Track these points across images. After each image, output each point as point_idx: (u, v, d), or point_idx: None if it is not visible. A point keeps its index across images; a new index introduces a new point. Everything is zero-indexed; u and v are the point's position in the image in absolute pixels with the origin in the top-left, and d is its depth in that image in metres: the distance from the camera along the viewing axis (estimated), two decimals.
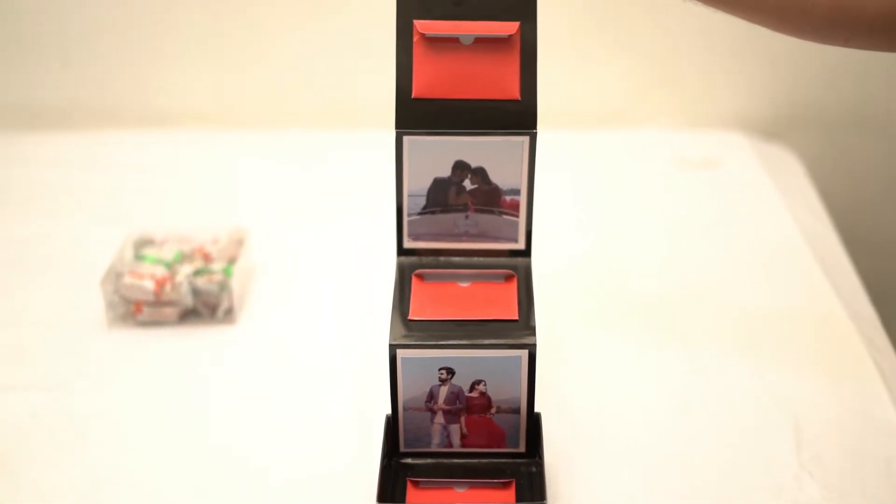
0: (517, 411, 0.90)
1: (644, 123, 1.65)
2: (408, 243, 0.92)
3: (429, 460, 0.93)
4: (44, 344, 1.14)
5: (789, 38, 0.87)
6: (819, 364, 1.10)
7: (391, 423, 0.91)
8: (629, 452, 0.99)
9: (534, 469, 0.92)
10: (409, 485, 0.90)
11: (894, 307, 1.45)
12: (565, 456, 0.97)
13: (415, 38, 0.86)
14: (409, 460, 0.93)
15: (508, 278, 0.91)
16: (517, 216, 0.91)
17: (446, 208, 0.90)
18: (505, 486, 0.90)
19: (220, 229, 1.25)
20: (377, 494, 0.88)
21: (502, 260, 0.93)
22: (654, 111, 1.65)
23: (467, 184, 0.89)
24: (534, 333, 0.86)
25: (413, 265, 0.92)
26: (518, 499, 0.89)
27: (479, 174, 0.88)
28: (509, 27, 0.86)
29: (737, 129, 1.65)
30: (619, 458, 0.98)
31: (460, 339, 0.86)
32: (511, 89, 0.86)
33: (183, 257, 1.20)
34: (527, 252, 0.93)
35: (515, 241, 0.92)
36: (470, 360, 0.87)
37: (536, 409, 0.91)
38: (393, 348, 0.86)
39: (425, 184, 0.89)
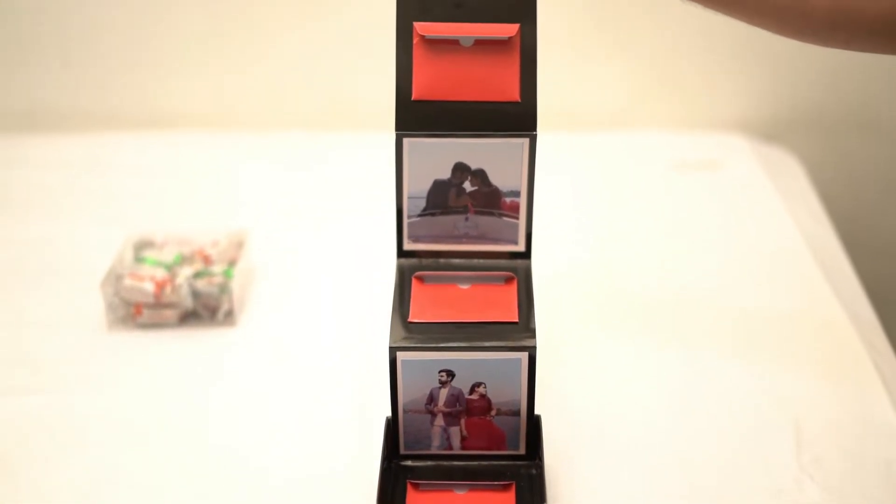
0: (517, 413, 0.90)
1: (644, 125, 1.65)
2: (408, 245, 0.92)
3: (429, 462, 0.92)
4: (44, 346, 1.14)
5: (789, 41, 0.87)
6: (819, 366, 1.10)
7: (391, 426, 0.91)
8: (629, 454, 0.99)
9: (534, 471, 0.92)
10: (409, 487, 0.90)
11: (894, 310, 1.45)
12: (565, 458, 0.97)
13: (415, 40, 0.86)
14: (409, 462, 0.92)
15: (508, 280, 0.91)
16: (517, 218, 0.91)
17: (446, 210, 0.90)
18: (505, 488, 0.90)
19: (220, 231, 1.25)
20: (377, 497, 0.88)
21: (502, 262, 0.92)
22: (654, 113, 1.65)
23: (467, 186, 0.89)
24: (534, 336, 0.86)
25: (413, 267, 0.92)
26: (518, 501, 0.89)
27: (479, 176, 0.88)
28: (509, 29, 0.86)
29: (737, 132, 1.65)
30: (620, 460, 0.98)
31: (460, 341, 0.86)
32: (511, 91, 0.86)
33: (183, 259, 1.20)
34: (527, 254, 0.93)
35: (515, 243, 0.92)
36: (470, 363, 0.87)
37: (536, 412, 0.91)
38: (393, 351, 0.86)
39: (425, 186, 0.89)
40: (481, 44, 0.86)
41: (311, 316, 1.20)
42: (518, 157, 0.87)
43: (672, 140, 1.62)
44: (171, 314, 1.16)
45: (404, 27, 0.86)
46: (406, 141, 0.87)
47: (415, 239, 0.92)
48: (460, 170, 0.88)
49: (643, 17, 1.59)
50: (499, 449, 0.92)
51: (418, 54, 0.86)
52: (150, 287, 1.14)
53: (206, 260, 1.20)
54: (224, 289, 1.16)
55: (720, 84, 1.64)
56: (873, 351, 1.13)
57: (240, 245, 1.23)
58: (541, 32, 0.86)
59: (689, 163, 1.54)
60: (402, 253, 0.92)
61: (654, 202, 1.45)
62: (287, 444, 1.01)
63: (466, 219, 0.91)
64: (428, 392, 0.89)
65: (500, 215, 0.90)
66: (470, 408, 0.90)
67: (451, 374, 0.87)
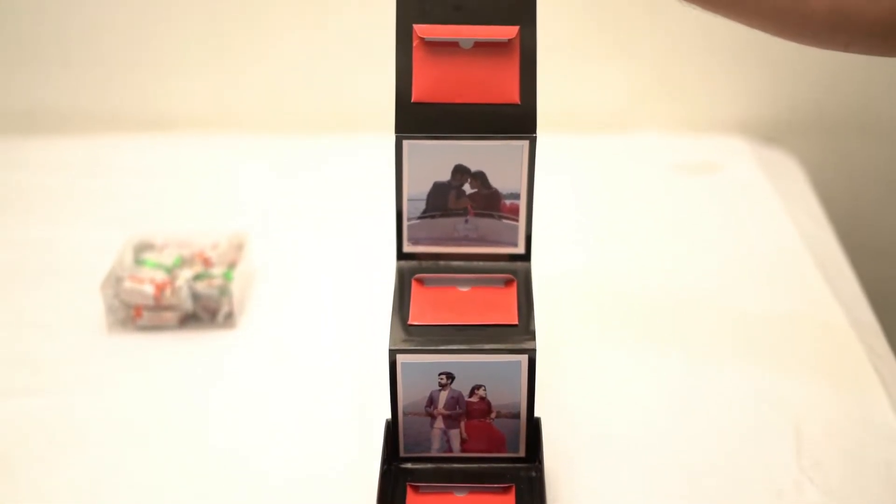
0: (517, 416, 0.90)
1: (644, 127, 1.65)
2: (407, 247, 0.92)
3: (429, 465, 0.92)
4: (44, 348, 1.14)
5: (789, 43, 0.87)
6: (819, 368, 1.10)
7: (391, 428, 0.91)
8: (629, 457, 0.99)
9: (534, 474, 0.91)
10: (408, 489, 0.90)
11: (894, 313, 1.45)
12: (565, 460, 0.97)
13: (414, 43, 0.86)
14: (408, 465, 0.92)
15: (508, 283, 0.91)
16: (517, 220, 0.90)
17: (446, 212, 0.90)
18: (505, 490, 0.90)
19: (220, 234, 1.25)
20: (377, 499, 0.88)
21: (502, 264, 0.92)
22: (654, 115, 1.65)
23: (467, 188, 0.89)
24: (534, 338, 0.86)
25: (413, 269, 0.92)
26: (518, 503, 0.89)
27: (479, 178, 0.88)
28: (509, 31, 0.86)
29: (737, 134, 1.65)
30: (620, 463, 0.98)
31: (460, 344, 0.86)
32: (511, 93, 0.86)
33: (183, 262, 1.20)
34: (527, 256, 0.92)
35: (515, 245, 0.92)
36: (470, 365, 0.87)
37: (536, 414, 0.91)
38: (393, 353, 0.86)
39: (425, 188, 0.89)
40: (481, 46, 0.86)
41: (311, 318, 1.20)
42: (518, 160, 0.87)
43: (672, 142, 1.62)
44: (170, 316, 1.16)
45: (404, 29, 0.86)
46: (406, 143, 0.86)
47: (414, 241, 0.92)
48: (460, 172, 0.88)
49: (643, 19, 1.59)
50: (499, 451, 0.92)
51: (418, 56, 0.86)
52: (149, 289, 1.14)
53: (206, 262, 1.20)
54: (224, 291, 1.16)
55: (720, 86, 1.64)
56: (873, 353, 1.13)
57: (240, 247, 1.23)
58: (540, 34, 0.86)
59: (689, 165, 1.54)
60: (401, 255, 0.92)
61: (654, 204, 1.45)
62: (287, 447, 1.01)
63: (466, 221, 0.91)
64: (428, 394, 0.88)
65: (500, 217, 0.90)
66: (470, 410, 0.89)
67: (450, 376, 0.87)
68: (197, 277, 1.17)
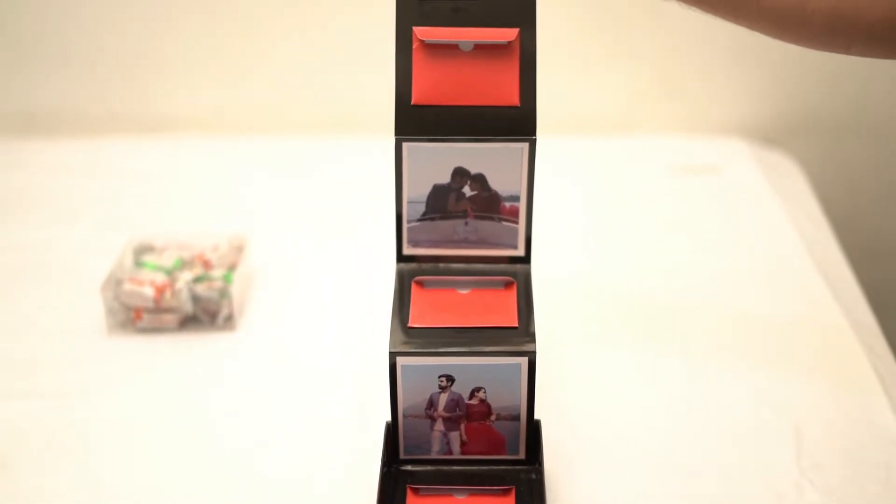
0: (517, 418, 0.90)
1: (644, 129, 1.65)
2: (407, 250, 0.92)
3: (429, 467, 0.92)
4: (44, 350, 1.14)
5: (789, 45, 0.87)
6: (819, 371, 1.10)
7: (391, 430, 0.91)
8: (629, 459, 0.99)
9: (534, 476, 0.91)
10: (408, 492, 0.90)
11: (894, 314, 1.45)
12: (565, 463, 0.97)
13: (414, 45, 0.86)
14: (408, 467, 0.92)
15: (508, 285, 0.91)
16: (517, 223, 0.91)
17: (446, 215, 0.90)
18: (505, 493, 0.90)
19: (220, 236, 1.25)
20: (377, 501, 0.88)
21: (502, 266, 0.92)
22: (654, 117, 1.65)
23: (467, 190, 0.89)
24: (533, 341, 0.86)
25: (413, 272, 0.92)
26: None
27: (479, 181, 0.88)
28: (508, 34, 0.86)
29: (737, 136, 1.65)
30: (620, 465, 0.98)
31: (460, 346, 0.86)
32: (510, 96, 0.86)
33: (183, 264, 1.20)
34: (526, 259, 0.93)
35: (515, 247, 0.92)
36: (470, 368, 0.87)
37: (536, 416, 0.91)
38: (393, 356, 0.86)
39: (425, 190, 0.89)
40: (481, 48, 0.86)
41: (310, 320, 1.20)
42: (517, 162, 0.87)
43: (672, 144, 1.62)
44: (170, 319, 1.16)
45: (404, 32, 0.86)
46: (405, 145, 0.87)
47: (414, 243, 0.92)
48: (460, 174, 0.88)
49: (643, 22, 1.59)
50: (498, 454, 0.92)
51: (418, 59, 0.86)
52: (149, 292, 1.14)
53: (206, 264, 1.20)
54: (224, 293, 1.16)
55: (720, 88, 1.64)
56: (873, 355, 1.13)
57: (240, 249, 1.23)
58: (540, 36, 0.86)
59: (689, 166, 1.54)
60: (401, 257, 0.92)
61: (654, 206, 1.45)
62: (287, 449, 1.01)
63: (466, 223, 0.91)
64: (428, 397, 0.88)
65: (500, 220, 0.90)
66: (470, 412, 0.89)
67: (450, 378, 0.87)
68: (197, 280, 1.17)
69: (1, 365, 1.12)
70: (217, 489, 0.96)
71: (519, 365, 0.86)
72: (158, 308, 1.15)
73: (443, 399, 0.89)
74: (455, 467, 0.92)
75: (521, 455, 0.92)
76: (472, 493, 0.90)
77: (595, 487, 0.95)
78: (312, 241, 1.35)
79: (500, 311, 0.89)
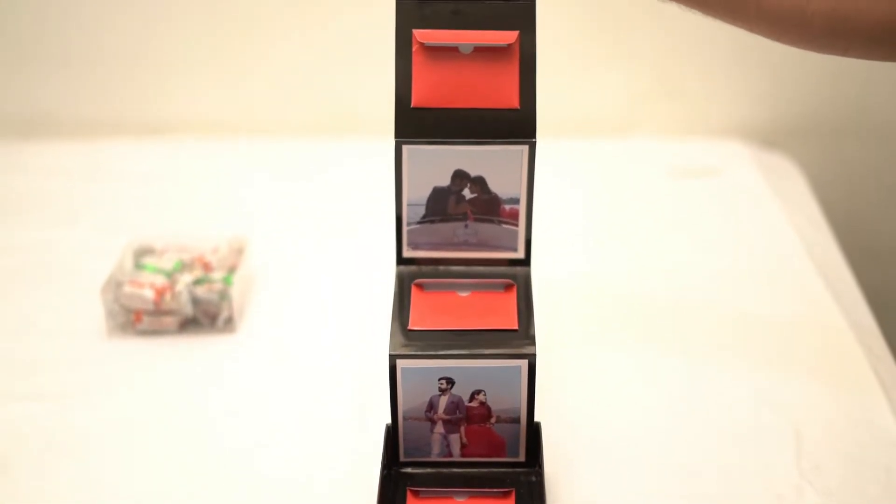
0: (517, 421, 0.90)
1: (644, 131, 1.65)
2: (407, 252, 0.92)
3: (429, 470, 0.92)
4: (43, 353, 1.14)
5: (789, 47, 0.87)
6: (818, 372, 1.10)
7: (391, 433, 0.91)
8: (629, 461, 0.99)
9: (534, 478, 0.92)
10: (409, 494, 0.90)
11: (894, 316, 1.45)
12: (565, 465, 0.97)
13: (414, 48, 0.86)
14: (408, 470, 0.92)
15: (508, 287, 0.91)
16: (516, 225, 0.91)
17: (445, 217, 0.90)
18: (505, 495, 0.90)
19: (220, 238, 1.25)
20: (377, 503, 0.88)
21: (502, 269, 0.92)
22: (654, 119, 1.65)
23: (466, 193, 0.89)
24: (533, 343, 0.86)
25: (412, 274, 0.92)
26: None
27: (479, 183, 0.88)
28: (508, 36, 0.86)
29: (736, 138, 1.65)
30: (620, 467, 0.98)
31: (460, 349, 0.86)
32: (510, 98, 0.86)
33: (183, 266, 1.20)
34: (526, 261, 0.93)
35: (515, 250, 0.92)
36: (470, 370, 0.87)
37: (536, 418, 0.91)
38: (393, 358, 0.86)
39: (424, 193, 0.89)
40: (480, 51, 0.86)
41: (310, 322, 1.20)
42: (517, 165, 0.87)
43: (671, 146, 1.62)
44: (170, 321, 1.16)
45: (403, 34, 0.86)
46: (405, 148, 0.87)
47: (414, 246, 0.92)
48: (460, 177, 0.88)
49: (643, 23, 1.59)
50: (499, 456, 0.92)
51: (417, 61, 0.86)
52: (149, 294, 1.14)
53: (206, 267, 1.20)
54: (224, 296, 1.16)
55: (720, 90, 1.64)
56: (872, 357, 1.13)
57: (240, 252, 1.23)
58: (540, 38, 0.86)
59: (689, 168, 1.54)
60: (401, 260, 0.92)
61: (654, 208, 1.45)
62: (287, 451, 1.01)
63: (466, 226, 0.91)
64: (428, 399, 0.89)
65: (500, 222, 0.90)
66: (470, 415, 0.90)
67: (450, 381, 0.87)
68: (197, 282, 1.17)
69: (1, 367, 1.12)
70: (217, 491, 0.96)
71: (519, 367, 0.87)
72: (158, 310, 1.15)
73: (443, 401, 0.89)
74: (455, 470, 0.92)
75: (522, 457, 0.92)
76: (472, 496, 0.90)
77: (595, 489, 0.95)
78: (312, 244, 1.35)
79: (499, 313, 0.89)
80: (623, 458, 0.99)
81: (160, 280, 1.16)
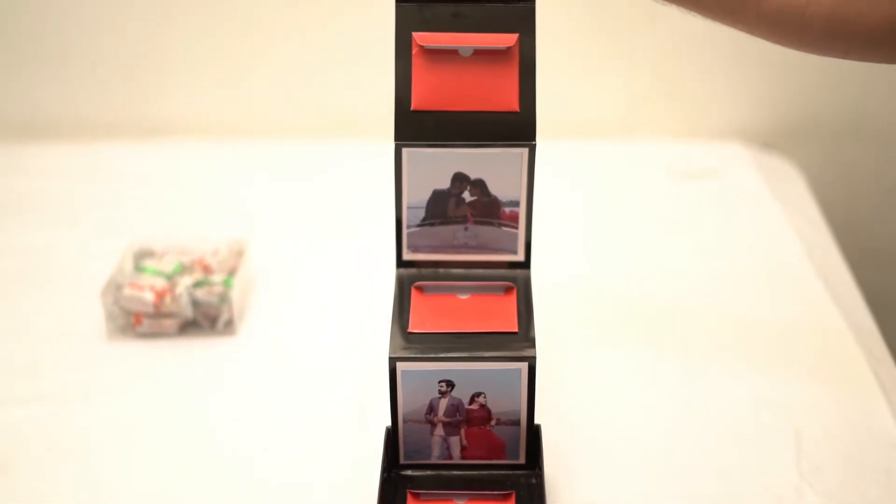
0: (517, 423, 0.90)
1: (643, 134, 1.65)
2: (407, 255, 0.92)
3: (429, 472, 0.92)
4: (43, 355, 1.14)
5: (789, 50, 0.87)
6: (818, 374, 1.11)
7: (391, 435, 0.91)
8: (629, 463, 0.99)
9: (534, 481, 0.92)
10: (409, 497, 0.90)
11: (894, 317, 1.45)
12: (565, 467, 0.97)
13: (413, 50, 0.86)
14: (409, 472, 0.92)
15: (508, 290, 0.91)
16: (516, 228, 0.91)
17: (445, 220, 0.90)
18: (505, 497, 0.90)
19: (220, 241, 1.25)
20: None
21: (502, 272, 0.92)
22: (654, 121, 1.66)
23: (466, 196, 0.89)
24: (533, 346, 0.86)
25: (412, 277, 0.92)
26: None
27: (479, 186, 0.88)
28: (508, 39, 0.86)
29: (736, 140, 1.65)
30: (620, 470, 0.98)
31: (460, 351, 0.86)
32: (510, 101, 0.86)
33: (183, 269, 1.20)
34: (526, 264, 0.93)
35: (515, 252, 0.92)
36: (470, 373, 0.87)
37: (536, 421, 0.91)
38: (393, 361, 0.86)
39: (424, 196, 0.89)
40: (480, 54, 0.86)
41: (310, 325, 1.20)
42: (517, 167, 0.87)
43: (671, 148, 1.62)
44: (170, 323, 1.16)
45: (403, 37, 0.86)
46: (405, 151, 0.87)
47: (414, 249, 0.92)
48: (459, 180, 0.88)
49: (643, 26, 1.59)
50: (499, 458, 0.92)
51: (417, 64, 0.86)
52: (149, 296, 1.14)
53: (206, 269, 1.20)
54: (224, 298, 1.16)
55: (720, 92, 1.64)
56: (872, 358, 1.13)
57: (240, 254, 1.24)
58: (540, 40, 0.86)
59: (689, 170, 1.54)
60: (401, 263, 0.92)
61: (654, 209, 1.45)
62: (287, 454, 1.01)
63: (466, 229, 0.91)
64: (428, 402, 0.89)
65: (500, 225, 0.90)
66: (470, 418, 0.90)
67: (450, 384, 0.87)
68: (197, 284, 1.17)
69: (1, 369, 1.12)
70: (217, 494, 0.96)
71: (519, 370, 0.87)
72: (158, 313, 1.15)
73: (443, 404, 0.89)
74: (455, 472, 0.92)
75: (522, 460, 0.92)
76: (473, 498, 0.90)
77: (595, 491, 0.95)
78: (312, 246, 1.35)
79: (499, 316, 0.89)
80: (623, 459, 0.99)
81: (160, 282, 1.16)
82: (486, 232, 0.91)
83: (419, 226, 0.90)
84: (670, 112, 1.65)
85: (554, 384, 1.07)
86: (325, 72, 1.62)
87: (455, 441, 0.91)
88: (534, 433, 0.91)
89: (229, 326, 1.17)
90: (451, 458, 0.92)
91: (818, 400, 1.07)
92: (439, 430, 0.90)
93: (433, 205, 0.89)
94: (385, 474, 0.90)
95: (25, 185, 1.50)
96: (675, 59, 1.61)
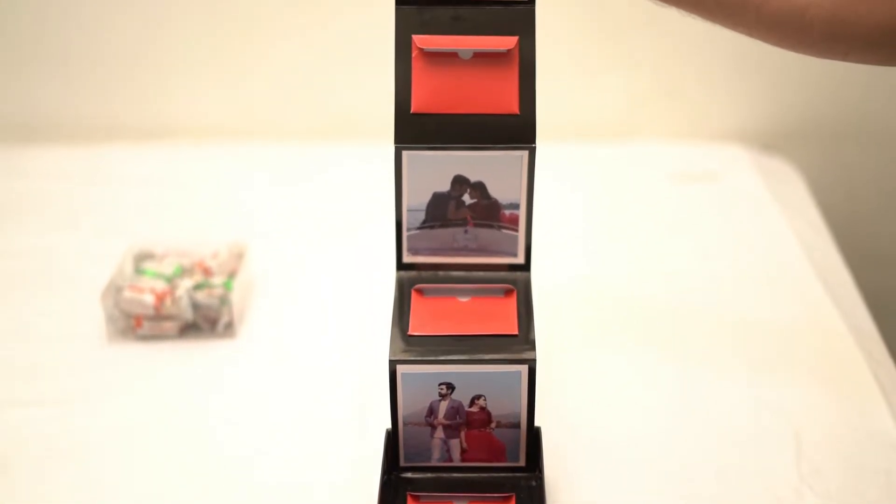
0: (517, 426, 0.90)
1: (644, 136, 1.65)
2: (407, 258, 0.92)
3: (429, 475, 0.92)
4: (43, 358, 1.14)
5: (789, 52, 0.87)
6: (818, 376, 1.11)
7: (391, 438, 0.91)
8: (629, 466, 0.99)
9: (534, 483, 0.92)
10: (409, 499, 0.90)
11: (893, 319, 1.45)
12: (565, 470, 0.97)
13: (413, 53, 0.86)
14: (409, 475, 0.92)
15: (508, 293, 0.91)
16: (516, 230, 0.91)
17: (445, 223, 0.90)
18: (505, 500, 0.90)
19: (220, 243, 1.25)
20: None
21: (502, 274, 0.92)
22: (654, 123, 1.66)
23: (466, 198, 0.89)
24: (533, 348, 0.86)
25: (412, 280, 0.92)
26: None
27: (479, 188, 0.88)
28: (508, 42, 0.86)
29: (736, 142, 1.65)
30: (620, 472, 0.98)
31: (460, 354, 0.86)
32: (510, 104, 0.86)
33: (183, 271, 1.20)
34: (526, 266, 0.93)
35: (515, 255, 0.92)
36: (470, 376, 0.87)
37: (536, 423, 0.91)
38: (393, 364, 0.86)
39: (424, 198, 0.89)
40: (480, 56, 0.86)
41: (310, 327, 1.20)
42: (517, 170, 0.87)
43: (671, 150, 1.62)
44: (171, 326, 1.16)
45: (403, 40, 0.86)
46: (405, 154, 0.87)
47: (414, 251, 0.92)
48: (459, 182, 0.88)
49: (643, 28, 1.59)
50: (499, 461, 0.92)
51: (417, 67, 0.86)
52: (150, 299, 1.14)
53: (206, 272, 1.20)
54: (224, 300, 1.16)
55: (720, 95, 1.64)
56: (872, 361, 1.13)
57: (240, 257, 1.24)
58: (540, 42, 0.86)
59: (689, 173, 1.54)
60: (401, 265, 0.92)
61: (654, 212, 1.45)
62: (287, 456, 1.01)
63: (466, 231, 0.91)
64: (428, 405, 0.89)
65: (500, 227, 0.90)
66: (470, 420, 0.90)
67: (450, 386, 0.87)
68: (197, 287, 1.17)
69: (1, 371, 1.12)
70: (217, 496, 0.96)
71: (519, 373, 0.87)
72: (158, 315, 1.15)
73: (443, 407, 0.89)
74: (455, 475, 0.92)
75: (522, 462, 0.92)
76: (473, 501, 0.90)
77: (595, 493, 0.95)
78: (312, 249, 1.35)
79: (499, 318, 0.89)
80: (623, 461, 0.99)
81: (160, 285, 1.16)
82: (486, 234, 0.91)
83: (419, 228, 0.90)
84: (670, 114, 1.65)
85: (554, 386, 1.07)
86: (325, 73, 1.62)
87: (455, 443, 0.91)
88: (534, 435, 0.91)
89: (229, 329, 1.17)
90: (451, 460, 0.92)
91: (818, 402, 1.07)
92: (439, 433, 0.90)
93: (433, 207, 0.89)
94: (385, 477, 0.90)
95: (25, 187, 1.50)
96: (674, 62, 1.61)
